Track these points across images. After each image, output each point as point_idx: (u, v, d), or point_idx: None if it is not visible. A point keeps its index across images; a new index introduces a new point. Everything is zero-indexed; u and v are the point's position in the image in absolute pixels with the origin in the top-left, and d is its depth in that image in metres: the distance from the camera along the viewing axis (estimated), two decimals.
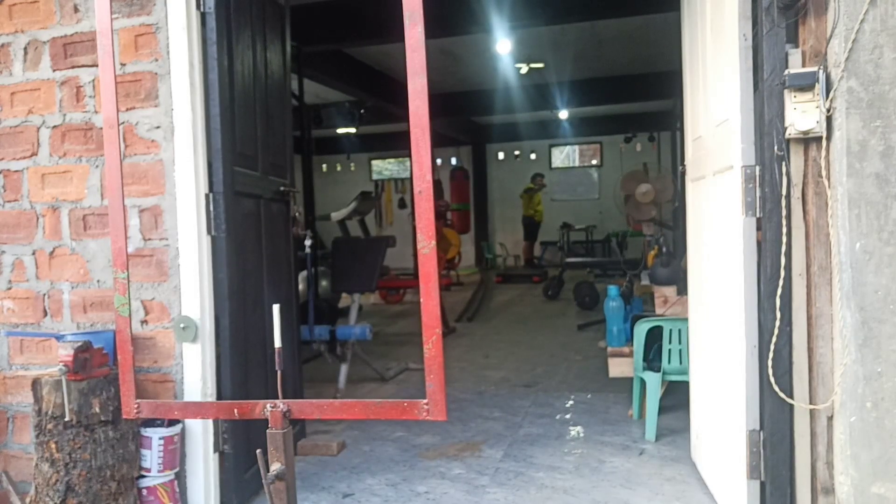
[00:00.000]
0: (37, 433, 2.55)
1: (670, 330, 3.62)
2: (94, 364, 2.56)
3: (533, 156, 15.46)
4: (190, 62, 2.75)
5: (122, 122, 2.80)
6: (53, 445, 2.51)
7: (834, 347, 2.11)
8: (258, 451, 1.73)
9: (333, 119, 9.52)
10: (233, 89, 2.93)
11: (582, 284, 8.69)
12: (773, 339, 2.20)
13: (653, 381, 3.57)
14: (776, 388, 2.20)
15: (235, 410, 1.83)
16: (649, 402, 3.58)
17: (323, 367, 5.17)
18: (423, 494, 3.05)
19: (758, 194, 2.25)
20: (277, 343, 1.75)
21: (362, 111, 9.42)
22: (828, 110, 2.07)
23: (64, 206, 2.92)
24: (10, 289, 3.00)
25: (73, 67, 2.89)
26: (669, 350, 3.61)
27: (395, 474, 3.28)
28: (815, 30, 2.13)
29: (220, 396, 2.85)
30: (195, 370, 2.77)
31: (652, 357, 3.73)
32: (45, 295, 2.95)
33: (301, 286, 4.92)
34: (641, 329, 3.71)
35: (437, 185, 12.04)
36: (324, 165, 16.19)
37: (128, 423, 2.61)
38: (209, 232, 2.81)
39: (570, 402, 4.40)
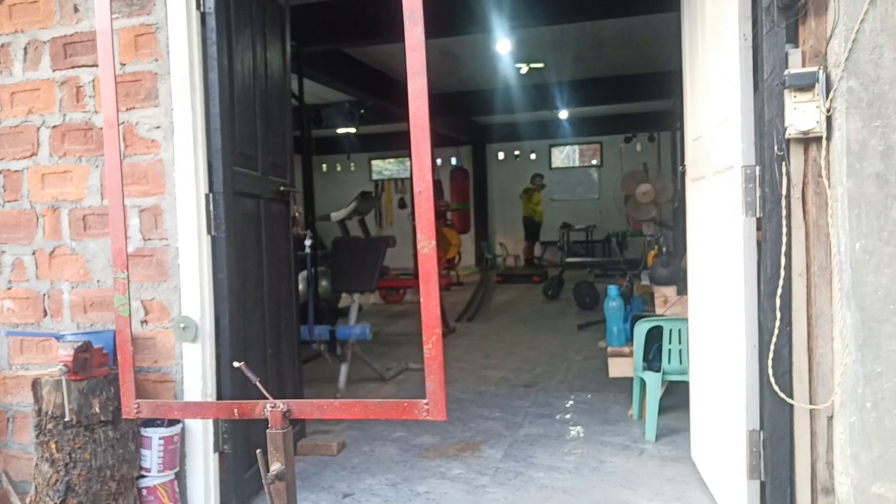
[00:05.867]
0: (37, 433, 2.55)
1: (670, 330, 3.62)
2: (94, 364, 2.56)
3: (533, 156, 15.46)
4: (190, 62, 2.75)
5: (122, 122, 2.80)
6: (53, 445, 2.51)
7: (834, 347, 2.11)
8: (258, 451, 1.74)
9: (333, 119, 9.52)
10: (233, 89, 2.93)
11: (582, 284, 8.69)
12: (773, 339, 2.20)
13: (653, 381, 3.57)
14: (776, 388, 2.20)
15: (235, 410, 1.83)
16: (649, 402, 3.58)
17: (323, 367, 5.17)
18: (423, 494, 3.05)
19: (758, 194, 2.25)
20: None
21: (362, 111, 9.42)
22: (828, 110, 2.07)
23: (64, 206, 2.92)
24: (10, 289, 3.00)
25: (73, 67, 2.89)
26: (669, 350, 3.61)
27: (395, 474, 3.28)
28: (815, 30, 2.13)
29: (220, 396, 2.85)
30: (195, 370, 2.77)
31: (652, 357, 3.72)
32: (45, 295, 2.95)
33: (301, 286, 4.92)
34: (641, 329, 3.71)
35: (437, 185, 12.04)
36: (324, 165, 16.19)
37: (128, 423, 2.61)
38: (209, 232, 2.81)
39: (570, 402, 4.41)
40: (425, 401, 1.63)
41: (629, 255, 9.84)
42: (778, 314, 2.19)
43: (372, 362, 5.17)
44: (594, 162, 15.48)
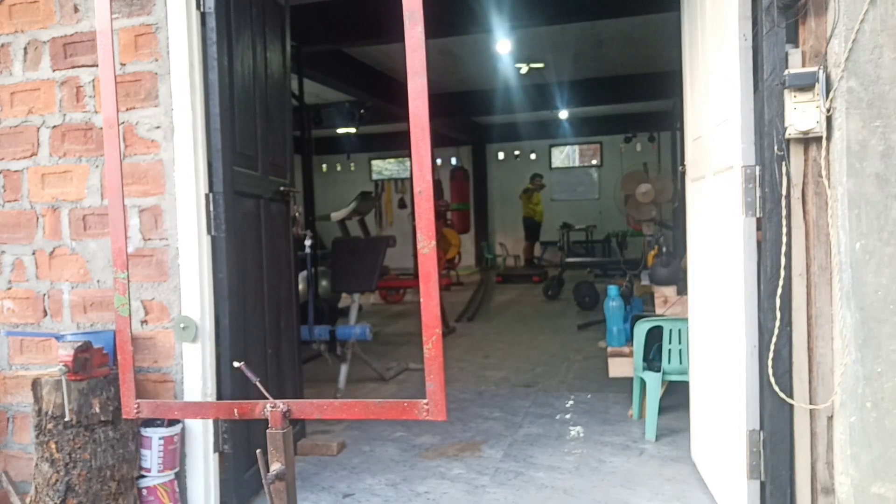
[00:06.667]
0: (37, 433, 2.55)
1: (670, 330, 3.62)
2: (94, 364, 2.56)
3: (533, 156, 15.46)
4: (190, 62, 2.75)
5: (122, 122, 2.80)
6: (53, 445, 2.51)
7: (834, 347, 2.11)
8: (258, 451, 1.73)
9: (333, 119, 9.53)
10: (233, 89, 2.93)
11: (582, 284, 8.69)
12: (773, 339, 2.20)
13: (653, 381, 3.57)
14: (776, 388, 2.20)
15: (235, 410, 1.83)
16: (649, 402, 3.58)
17: (323, 367, 5.17)
18: (423, 494, 3.05)
19: (758, 194, 2.25)
20: None
21: (362, 111, 9.43)
22: (828, 110, 2.07)
23: (64, 206, 2.92)
24: (10, 289, 3.00)
25: (73, 67, 2.89)
26: (669, 350, 3.61)
27: (395, 474, 3.28)
28: (815, 30, 2.13)
29: (220, 396, 2.85)
30: (195, 370, 2.77)
31: (652, 357, 3.72)
32: (45, 295, 2.95)
33: (301, 286, 4.92)
34: (641, 329, 3.71)
35: (437, 185, 12.05)
36: (324, 165, 16.19)
37: (128, 423, 2.61)
38: (209, 232, 2.81)
39: (570, 402, 4.40)
40: (425, 401, 1.63)
41: (629, 255, 9.85)
42: (778, 314, 2.19)
43: (372, 362, 5.17)
44: (594, 162, 15.48)
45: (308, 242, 4.35)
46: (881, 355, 1.99)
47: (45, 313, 2.95)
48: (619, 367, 4.11)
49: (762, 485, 2.33)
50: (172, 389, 2.81)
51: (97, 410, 2.53)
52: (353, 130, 11.73)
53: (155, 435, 2.68)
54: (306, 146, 7.64)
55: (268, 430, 1.73)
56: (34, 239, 2.96)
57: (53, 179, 2.93)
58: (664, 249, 4.89)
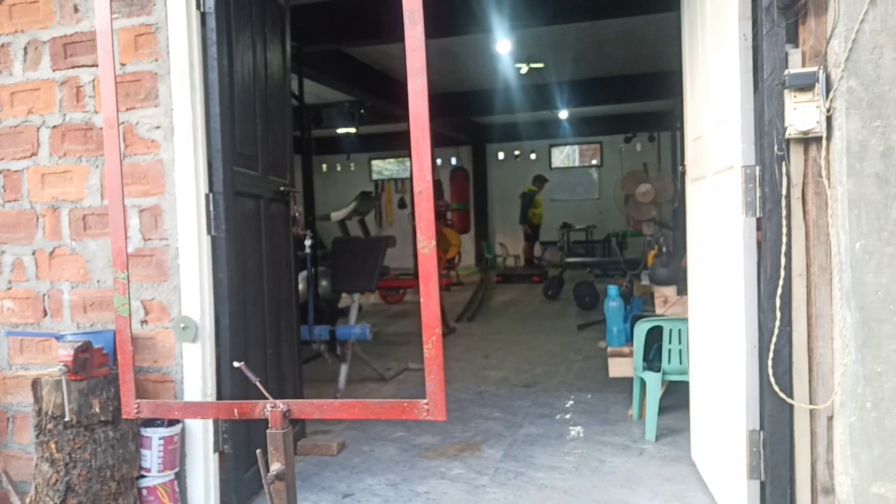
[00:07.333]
0: (37, 433, 2.55)
1: (670, 330, 3.62)
2: (94, 364, 2.56)
3: (533, 156, 15.47)
4: (190, 62, 2.75)
5: (122, 122, 2.80)
6: (53, 445, 2.51)
7: (834, 347, 2.11)
8: (258, 451, 1.73)
9: (333, 119, 9.51)
10: (233, 89, 2.93)
11: (582, 284, 8.70)
12: (773, 339, 2.20)
13: (653, 381, 3.57)
14: (776, 388, 2.20)
15: (235, 410, 1.83)
16: (649, 402, 3.58)
17: (323, 367, 5.17)
18: (423, 494, 3.05)
19: (758, 194, 2.25)
20: None
21: (362, 111, 9.42)
22: (828, 110, 2.07)
23: (64, 206, 2.92)
24: (10, 289, 3.00)
25: (73, 67, 2.89)
26: (669, 350, 3.61)
27: (395, 474, 3.28)
28: (815, 30, 2.13)
29: (220, 396, 2.85)
30: (195, 370, 2.77)
31: (652, 357, 3.72)
32: (45, 295, 2.95)
33: (301, 286, 4.91)
34: (641, 329, 3.71)
35: (437, 185, 12.05)
36: (324, 165, 16.19)
37: (128, 423, 2.61)
38: (209, 232, 2.81)
39: (570, 402, 4.40)
40: (425, 401, 1.63)
41: (629, 255, 9.84)
42: (778, 314, 2.19)
43: (372, 362, 5.17)
44: (594, 162, 15.48)
45: (308, 242, 4.35)
46: (881, 355, 1.99)
47: (45, 313, 2.95)
48: (619, 367, 4.11)
49: (762, 485, 2.33)
50: (172, 389, 2.81)
51: (97, 410, 2.53)
52: (353, 130, 11.71)
53: (155, 435, 2.68)
54: (306, 146, 7.64)
55: (268, 430, 1.73)
56: (34, 239, 2.96)
57: (53, 179, 2.93)
58: (664, 249, 4.89)
